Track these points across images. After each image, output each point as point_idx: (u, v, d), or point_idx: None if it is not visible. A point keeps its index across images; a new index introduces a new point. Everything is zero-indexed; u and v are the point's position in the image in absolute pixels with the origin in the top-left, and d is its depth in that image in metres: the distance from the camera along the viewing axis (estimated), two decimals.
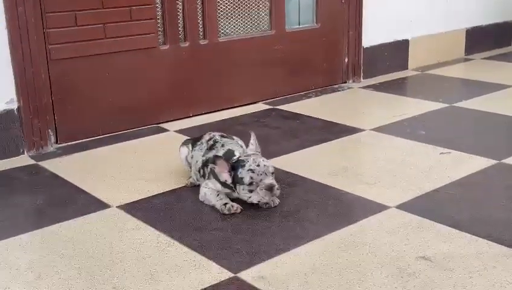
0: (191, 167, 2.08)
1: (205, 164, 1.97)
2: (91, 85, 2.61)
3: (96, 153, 2.48)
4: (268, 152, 2.32)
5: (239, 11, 3.06)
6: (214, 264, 1.57)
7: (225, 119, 2.90)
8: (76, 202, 1.99)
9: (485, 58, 4.19)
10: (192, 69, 2.90)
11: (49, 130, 2.52)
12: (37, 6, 2.39)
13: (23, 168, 2.33)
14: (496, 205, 1.89)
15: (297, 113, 2.97)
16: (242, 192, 1.86)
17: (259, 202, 1.85)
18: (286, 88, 3.29)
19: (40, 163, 2.36)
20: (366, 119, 2.87)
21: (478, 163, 2.24)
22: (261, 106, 3.12)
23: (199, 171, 2.01)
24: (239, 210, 1.86)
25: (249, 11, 3.09)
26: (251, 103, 3.13)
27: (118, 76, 2.68)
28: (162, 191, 2.05)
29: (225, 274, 1.53)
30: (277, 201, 1.91)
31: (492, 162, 2.25)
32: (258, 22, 3.14)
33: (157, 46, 2.77)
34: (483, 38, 4.33)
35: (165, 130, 2.76)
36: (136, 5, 2.65)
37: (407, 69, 3.85)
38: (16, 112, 2.41)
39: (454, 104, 3.06)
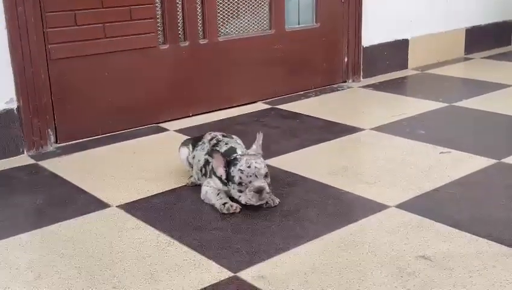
0: (192, 167, 2.08)
1: (207, 162, 1.98)
2: (91, 85, 2.61)
3: (96, 153, 2.48)
4: (268, 152, 2.32)
5: (239, 11, 3.06)
6: (214, 263, 1.57)
7: (225, 119, 2.90)
8: (76, 202, 1.99)
9: (484, 58, 4.19)
10: (192, 69, 2.90)
11: (49, 130, 2.52)
12: (36, 6, 2.39)
13: (22, 167, 2.33)
14: (495, 204, 1.89)
15: (297, 113, 2.97)
16: (233, 191, 1.87)
17: (246, 203, 1.85)
18: (286, 87, 3.29)
19: (39, 163, 2.36)
20: (366, 118, 2.87)
21: (478, 162, 2.24)
22: (260, 106, 3.12)
23: (201, 170, 2.01)
24: (238, 210, 1.86)
25: (249, 10, 3.10)
26: (251, 103, 3.13)
27: (118, 76, 2.68)
28: (161, 191, 2.05)
29: (225, 274, 1.53)
30: (277, 201, 1.91)
31: (492, 161, 2.25)
32: (258, 21, 3.14)
33: (157, 45, 2.77)
34: (483, 37, 4.33)
35: (165, 129, 2.76)
36: (135, 5, 2.65)
37: (406, 68, 3.85)
38: (15, 111, 2.41)
39: (454, 104, 3.06)
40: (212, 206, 1.90)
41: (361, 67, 3.57)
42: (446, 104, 3.05)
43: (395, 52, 3.76)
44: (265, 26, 3.18)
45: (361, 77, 3.58)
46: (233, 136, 2.11)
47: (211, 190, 1.92)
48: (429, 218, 1.79)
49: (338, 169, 2.21)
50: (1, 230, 1.80)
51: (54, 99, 2.52)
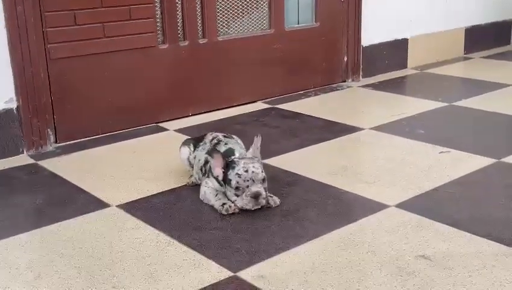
0: (192, 167, 2.08)
1: (207, 161, 1.98)
2: (90, 84, 2.61)
3: (95, 153, 2.48)
4: (267, 151, 2.32)
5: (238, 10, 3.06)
6: (214, 263, 1.57)
7: (224, 119, 2.90)
8: (75, 202, 1.99)
9: (484, 57, 4.19)
10: (192, 68, 2.90)
11: (49, 130, 2.52)
12: (36, 5, 2.39)
13: (22, 167, 2.33)
14: (495, 204, 1.89)
15: (297, 113, 2.97)
16: (229, 193, 1.87)
17: (242, 207, 1.84)
18: (285, 87, 3.29)
19: (39, 162, 2.36)
20: (366, 118, 2.87)
21: (477, 162, 2.24)
22: (260, 105, 3.12)
23: (201, 170, 2.01)
24: (237, 210, 1.85)
25: (248, 9, 3.10)
26: (250, 102, 3.13)
27: (117, 75, 2.68)
28: (161, 191, 2.05)
29: (225, 273, 1.53)
30: (278, 201, 1.91)
31: (492, 161, 2.25)
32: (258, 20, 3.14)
33: (157, 45, 2.77)
34: (483, 37, 4.34)
35: (165, 129, 2.76)
36: (135, 4, 2.65)
37: (406, 68, 3.85)
38: (15, 111, 2.40)
39: (454, 103, 3.06)
40: (212, 206, 1.90)
41: (361, 66, 3.57)
42: (445, 104, 3.05)
43: (395, 51, 3.76)
44: (264, 25, 3.18)
45: (360, 77, 3.58)
46: (234, 136, 2.11)
47: (209, 191, 1.92)
48: (429, 217, 1.79)
49: (338, 169, 2.21)
50: (1, 230, 1.80)
51: (54, 99, 2.52)
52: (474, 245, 1.63)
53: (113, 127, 2.70)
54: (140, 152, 2.46)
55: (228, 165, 1.86)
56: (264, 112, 3.01)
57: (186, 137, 2.32)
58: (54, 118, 2.53)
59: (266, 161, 2.26)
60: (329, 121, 2.82)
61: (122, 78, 2.69)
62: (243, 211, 1.85)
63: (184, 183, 2.09)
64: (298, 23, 3.34)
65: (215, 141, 2.03)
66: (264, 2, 3.14)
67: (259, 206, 1.84)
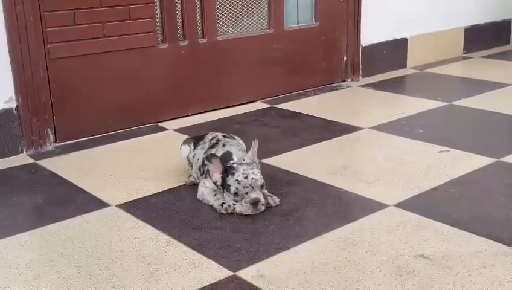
0: (192, 166, 2.08)
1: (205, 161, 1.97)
2: (90, 84, 2.61)
3: (95, 152, 2.48)
4: (267, 151, 2.32)
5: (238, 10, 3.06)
6: (213, 263, 1.58)
7: (224, 118, 2.90)
8: (75, 201, 1.99)
9: (483, 57, 4.19)
10: (191, 68, 2.90)
11: (48, 129, 2.52)
12: (35, 5, 2.39)
13: (22, 167, 2.33)
14: (494, 203, 1.90)
15: (296, 112, 2.97)
16: (227, 199, 1.86)
17: (240, 213, 1.84)
18: (285, 87, 3.29)
19: (39, 162, 2.36)
20: (365, 117, 2.87)
21: (477, 161, 2.24)
22: (259, 105, 3.12)
23: (199, 169, 2.01)
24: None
25: (248, 9, 3.10)
26: (250, 102, 3.13)
27: (117, 75, 2.68)
28: (161, 190, 2.05)
29: (224, 273, 1.53)
30: (277, 200, 1.91)
31: (491, 160, 2.25)
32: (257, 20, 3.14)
33: (156, 45, 2.77)
34: (482, 36, 4.34)
35: (164, 129, 2.76)
36: (134, 4, 2.65)
37: (405, 67, 3.85)
38: (14, 110, 2.40)
39: (453, 103, 3.06)
40: (211, 205, 1.90)
41: (361, 66, 3.57)
42: (445, 103, 3.05)
43: (394, 51, 3.76)
44: (264, 25, 3.18)
45: (360, 76, 3.58)
46: (236, 137, 2.11)
47: (207, 191, 1.92)
48: (428, 217, 1.79)
49: (337, 168, 2.21)
50: (0, 229, 1.80)
51: (53, 99, 2.52)
52: (473, 244, 1.63)
53: (113, 127, 2.70)
54: (140, 152, 2.46)
55: (227, 171, 1.85)
56: (264, 112, 3.01)
57: (185, 137, 2.31)
58: (53, 117, 2.53)
59: (265, 161, 2.26)
60: (328, 120, 2.82)
61: (121, 78, 2.69)
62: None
63: (183, 183, 2.09)
64: (298, 23, 3.34)
65: (214, 140, 2.03)
66: (263, 2, 3.14)
67: (258, 212, 1.84)
